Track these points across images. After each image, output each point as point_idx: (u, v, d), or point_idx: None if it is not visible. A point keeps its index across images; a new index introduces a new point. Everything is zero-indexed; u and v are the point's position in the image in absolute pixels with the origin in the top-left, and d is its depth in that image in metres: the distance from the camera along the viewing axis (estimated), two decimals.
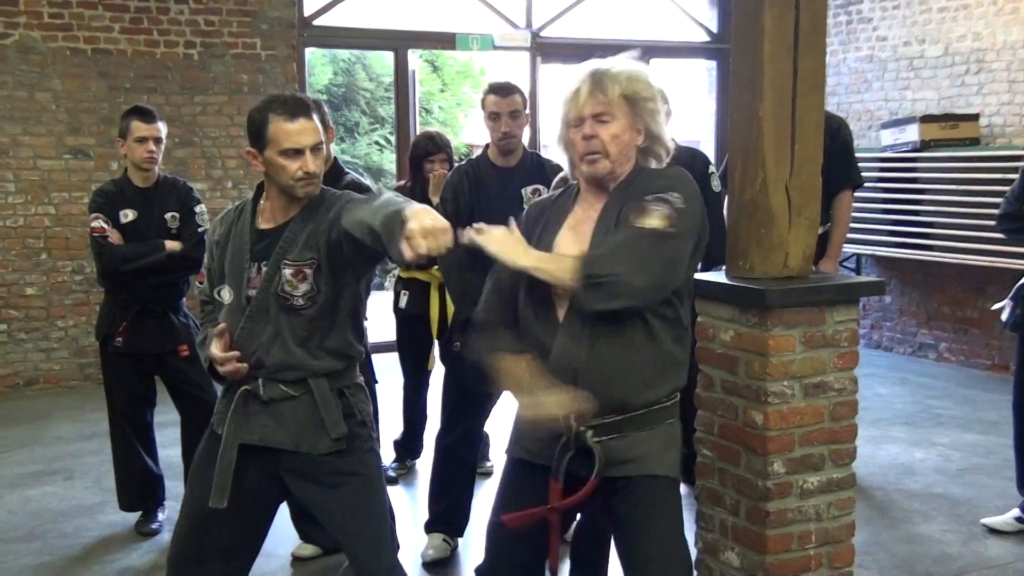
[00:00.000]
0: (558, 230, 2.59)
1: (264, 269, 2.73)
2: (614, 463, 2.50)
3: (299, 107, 2.71)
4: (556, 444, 2.53)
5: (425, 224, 2.20)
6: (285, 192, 2.74)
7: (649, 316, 2.48)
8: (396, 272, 5.26)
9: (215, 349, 2.73)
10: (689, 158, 4.80)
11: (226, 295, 2.80)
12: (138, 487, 4.59)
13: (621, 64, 2.54)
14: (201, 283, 2.95)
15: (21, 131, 7.23)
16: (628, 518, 2.52)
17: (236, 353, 2.73)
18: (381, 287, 12.63)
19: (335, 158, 4.23)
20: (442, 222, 2.25)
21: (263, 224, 2.81)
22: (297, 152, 2.67)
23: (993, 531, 4.45)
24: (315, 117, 2.74)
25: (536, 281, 2.47)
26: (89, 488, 5.17)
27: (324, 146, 2.79)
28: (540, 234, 2.60)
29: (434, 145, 5.02)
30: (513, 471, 2.73)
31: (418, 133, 5.36)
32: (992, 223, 4.71)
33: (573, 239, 2.54)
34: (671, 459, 2.56)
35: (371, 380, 4.17)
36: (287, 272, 2.70)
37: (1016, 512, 4.46)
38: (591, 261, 2.38)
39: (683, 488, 2.99)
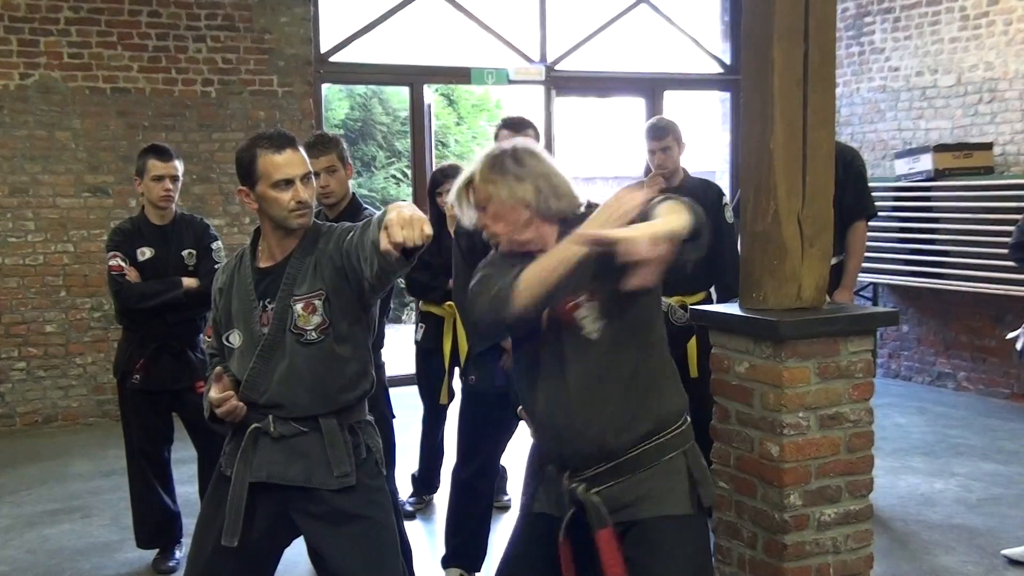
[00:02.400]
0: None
1: (271, 307, 2.76)
2: (616, 508, 2.49)
3: (284, 140, 2.76)
4: (564, 497, 2.55)
5: (403, 214, 2.28)
6: (280, 226, 2.78)
7: (630, 347, 2.48)
8: (414, 305, 5.27)
9: (213, 392, 2.75)
10: (702, 189, 4.83)
11: (235, 339, 2.82)
12: (155, 524, 4.59)
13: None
14: (209, 337, 2.99)
15: (41, 170, 7.32)
16: (637, 561, 2.48)
17: (232, 393, 2.75)
18: (399, 320, 12.68)
19: (352, 193, 4.25)
20: (419, 214, 2.31)
21: (263, 263, 2.84)
22: (288, 183, 2.72)
23: (1014, 562, 4.40)
24: (301, 149, 2.80)
25: (520, 348, 2.55)
26: (107, 526, 5.18)
27: (313, 177, 2.83)
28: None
29: (443, 176, 5.06)
30: (524, 522, 2.76)
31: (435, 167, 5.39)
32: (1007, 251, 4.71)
33: None
34: (677, 495, 2.51)
35: (388, 414, 4.17)
36: (298, 307, 2.73)
37: None
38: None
39: None
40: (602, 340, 2.46)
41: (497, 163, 2.54)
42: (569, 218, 2.54)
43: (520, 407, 3.28)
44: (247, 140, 2.82)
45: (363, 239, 2.60)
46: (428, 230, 2.31)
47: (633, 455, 2.49)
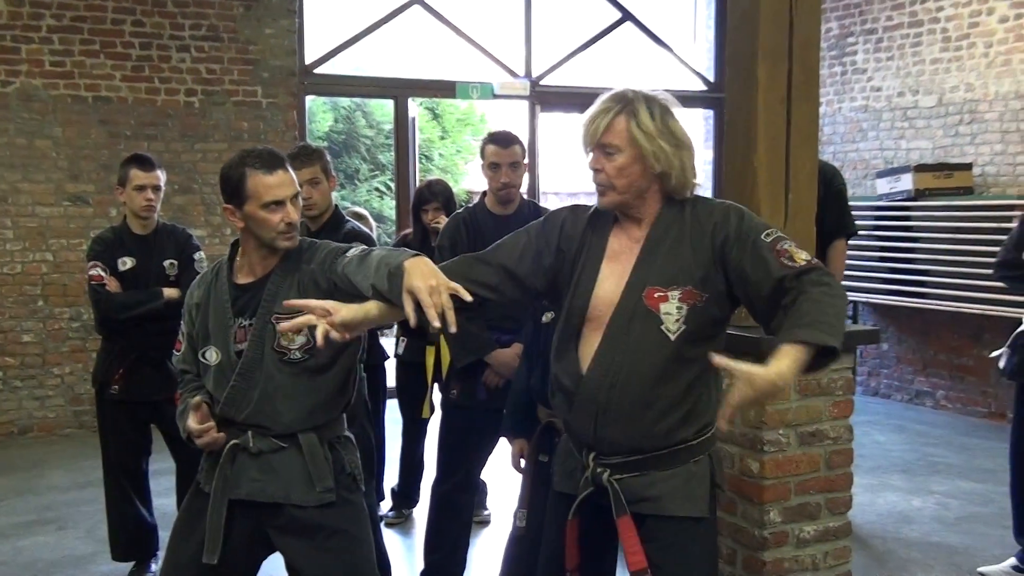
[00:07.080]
0: (599, 264, 2.50)
1: (249, 324, 2.71)
2: (633, 500, 2.45)
3: (275, 160, 2.70)
4: (580, 476, 2.52)
5: (430, 282, 2.25)
6: (265, 245, 2.73)
7: (699, 358, 2.40)
8: None
9: (192, 422, 2.69)
10: None
11: (212, 355, 2.76)
12: (131, 537, 4.54)
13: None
14: (178, 351, 2.92)
15: (21, 178, 7.27)
16: (652, 558, 2.43)
17: (212, 424, 2.69)
18: (381, 333, 12.61)
19: (335, 206, 4.24)
20: (443, 276, 2.28)
21: (241, 279, 2.79)
22: (279, 204, 2.67)
23: None
24: (290, 168, 2.74)
25: (570, 317, 2.48)
26: (82, 538, 5.13)
27: (300, 196, 2.80)
28: (582, 264, 2.51)
29: (429, 192, 5.05)
30: (552, 500, 2.72)
31: (420, 182, 5.39)
32: (987, 271, 4.74)
33: (612, 270, 2.48)
34: (694, 498, 2.46)
35: (371, 431, 4.13)
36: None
37: (1013, 561, 4.44)
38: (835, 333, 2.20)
39: None
40: (677, 341, 2.39)
41: (668, 118, 2.44)
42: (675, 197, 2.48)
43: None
44: (235, 157, 2.73)
45: (361, 271, 2.51)
46: (465, 296, 2.29)
47: (664, 453, 2.44)
